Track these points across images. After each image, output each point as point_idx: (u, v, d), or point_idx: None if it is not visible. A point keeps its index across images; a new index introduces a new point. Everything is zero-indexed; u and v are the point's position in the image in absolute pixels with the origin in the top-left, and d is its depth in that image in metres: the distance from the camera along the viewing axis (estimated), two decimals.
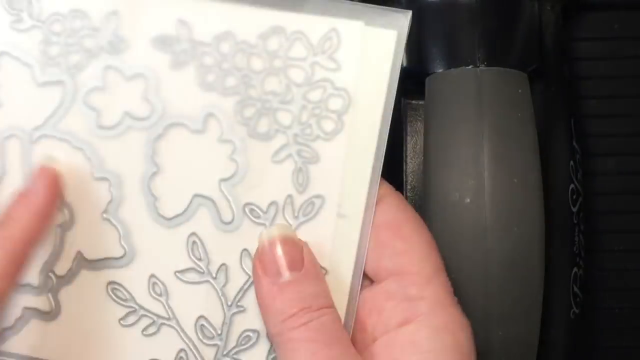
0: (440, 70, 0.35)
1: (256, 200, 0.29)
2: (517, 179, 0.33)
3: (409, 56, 0.37)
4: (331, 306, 0.28)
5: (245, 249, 0.29)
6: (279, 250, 0.28)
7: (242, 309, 0.29)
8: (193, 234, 0.29)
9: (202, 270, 0.29)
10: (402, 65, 0.37)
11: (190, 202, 0.29)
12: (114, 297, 0.29)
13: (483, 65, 0.35)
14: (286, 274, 0.27)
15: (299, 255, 0.28)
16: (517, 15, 0.36)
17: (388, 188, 0.30)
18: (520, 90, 0.35)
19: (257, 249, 0.28)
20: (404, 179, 0.37)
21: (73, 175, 0.29)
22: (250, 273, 0.29)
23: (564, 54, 0.40)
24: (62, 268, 0.29)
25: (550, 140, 0.38)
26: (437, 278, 0.28)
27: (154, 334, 0.29)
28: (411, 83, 0.37)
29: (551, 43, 0.38)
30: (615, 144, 0.44)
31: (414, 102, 0.38)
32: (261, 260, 0.28)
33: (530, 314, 0.34)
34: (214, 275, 0.29)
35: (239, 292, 0.29)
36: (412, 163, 0.37)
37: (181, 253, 0.29)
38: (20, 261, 0.26)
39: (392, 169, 0.38)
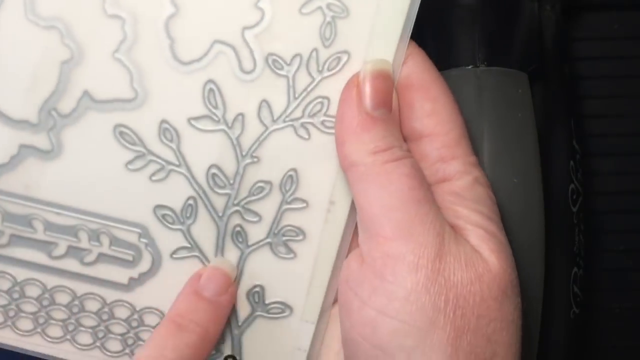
0: (441, 70, 0.35)
1: (279, 51, 0.28)
2: (517, 179, 0.33)
3: None
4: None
5: (264, 100, 0.28)
6: (380, 84, 0.27)
7: (256, 159, 0.29)
8: (210, 80, 0.28)
9: (217, 119, 0.28)
10: None
11: (210, 47, 0.28)
12: (121, 140, 0.28)
13: (483, 65, 0.35)
14: (381, 109, 0.27)
15: (391, 95, 0.28)
16: (517, 15, 0.36)
17: (413, 46, 0.29)
18: (520, 90, 0.35)
19: (353, 78, 0.28)
20: None
21: (82, 9, 0.28)
22: (267, 125, 0.29)
23: (564, 54, 0.40)
24: (66, 106, 0.28)
25: (550, 140, 0.38)
26: (464, 139, 0.28)
27: (162, 179, 0.29)
28: None
29: (551, 43, 0.38)
30: (615, 144, 0.44)
31: None
32: (359, 89, 0.27)
33: (530, 313, 0.34)
34: (229, 124, 0.28)
35: (254, 143, 0.29)
36: None
37: (196, 99, 0.28)
38: None
39: None
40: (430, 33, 0.36)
